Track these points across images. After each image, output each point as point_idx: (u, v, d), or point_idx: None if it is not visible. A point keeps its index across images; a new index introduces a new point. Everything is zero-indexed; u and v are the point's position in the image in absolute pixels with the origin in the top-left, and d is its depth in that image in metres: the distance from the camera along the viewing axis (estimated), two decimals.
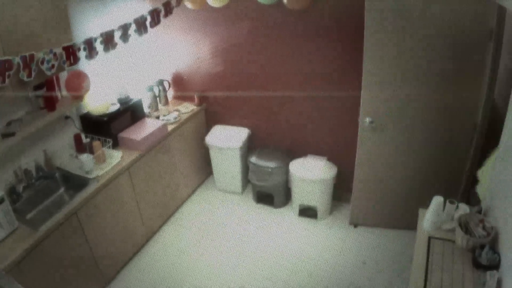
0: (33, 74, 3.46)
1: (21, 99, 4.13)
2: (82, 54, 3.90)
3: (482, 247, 3.02)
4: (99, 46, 4.04)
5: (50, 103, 4.24)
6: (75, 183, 4.42)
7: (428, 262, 3.17)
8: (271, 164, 5.57)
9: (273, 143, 5.96)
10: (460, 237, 3.20)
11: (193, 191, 6.40)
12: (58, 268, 4.01)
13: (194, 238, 5.51)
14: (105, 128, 4.85)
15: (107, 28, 4.08)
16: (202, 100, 6.11)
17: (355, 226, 5.38)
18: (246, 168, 6.07)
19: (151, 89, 5.82)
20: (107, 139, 4.81)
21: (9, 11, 3.32)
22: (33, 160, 4.39)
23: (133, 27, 4.37)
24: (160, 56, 6.15)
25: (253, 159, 5.72)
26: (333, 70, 5.01)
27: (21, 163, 4.25)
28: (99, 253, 4.51)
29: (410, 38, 4.01)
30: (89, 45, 3.93)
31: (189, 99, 6.15)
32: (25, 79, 3.40)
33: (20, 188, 4.19)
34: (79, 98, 4.44)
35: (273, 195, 5.84)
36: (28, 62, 3.39)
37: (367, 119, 4.49)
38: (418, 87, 4.22)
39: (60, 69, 3.78)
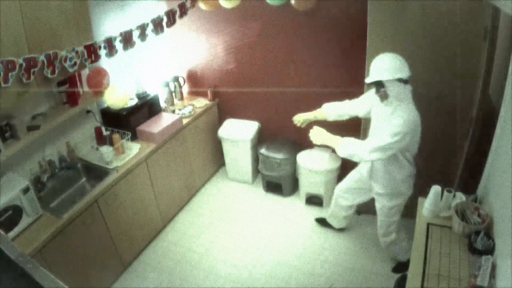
0: (56, 71, 3.47)
1: (45, 94, 4.17)
2: (102, 52, 3.92)
3: (477, 233, 3.01)
4: (118, 45, 4.05)
5: (73, 98, 4.27)
6: (96, 173, 4.46)
7: (427, 247, 3.17)
8: (279, 156, 5.60)
9: (282, 135, 5.96)
10: (457, 224, 3.20)
11: (207, 181, 6.43)
12: (79, 253, 4.05)
13: (208, 224, 5.55)
14: (124, 121, 4.88)
15: (125, 28, 4.09)
16: (215, 95, 6.12)
17: (359, 214, 5.37)
18: (256, 159, 6.08)
19: (167, 85, 5.83)
20: (126, 132, 4.83)
21: (34, 12, 3.33)
22: (57, 151, 4.43)
23: (150, 26, 4.38)
24: (176, 54, 6.17)
25: (263, 150, 5.73)
26: (338, 67, 5.00)
27: (45, 155, 4.28)
28: (118, 239, 4.54)
29: (409, 38, 4.00)
30: (109, 43, 3.95)
31: (203, 94, 6.16)
32: (49, 75, 3.42)
33: (44, 178, 4.22)
34: (99, 93, 4.45)
35: (281, 184, 5.85)
36: (52, 59, 3.41)
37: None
38: (417, 83, 4.20)
39: (82, 66, 3.80)
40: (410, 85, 3.60)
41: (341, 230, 5.22)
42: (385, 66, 3.56)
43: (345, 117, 4.36)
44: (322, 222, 5.34)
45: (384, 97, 3.68)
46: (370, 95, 3.99)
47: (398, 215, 4.23)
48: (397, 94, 3.59)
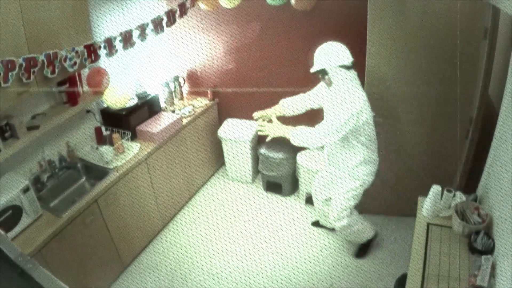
0: (56, 70, 3.48)
1: (45, 94, 4.17)
2: (102, 52, 3.92)
3: (477, 233, 3.01)
4: (118, 45, 4.05)
5: (72, 98, 4.27)
6: (96, 173, 4.45)
7: (426, 247, 3.18)
8: (279, 156, 5.60)
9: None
10: (456, 224, 3.20)
11: (207, 181, 6.42)
12: (79, 253, 4.05)
13: (208, 224, 5.54)
14: (124, 121, 4.87)
15: (125, 28, 4.09)
16: (215, 95, 6.11)
17: (359, 213, 5.38)
18: (256, 159, 6.08)
19: (167, 84, 5.82)
20: (126, 132, 4.82)
21: (34, 12, 3.33)
22: (57, 151, 4.43)
23: (150, 26, 4.38)
24: (176, 54, 6.17)
25: (263, 150, 5.73)
26: None
27: (45, 154, 4.27)
28: (118, 239, 4.54)
29: (409, 38, 4.00)
30: (109, 43, 3.95)
31: (203, 94, 6.15)
32: (49, 75, 3.43)
33: (44, 177, 4.22)
34: (99, 93, 4.46)
35: (281, 184, 5.85)
36: (51, 59, 3.41)
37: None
38: (417, 83, 4.22)
39: (82, 66, 3.81)
40: (354, 70, 3.83)
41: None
42: (327, 55, 3.79)
43: (301, 110, 4.44)
44: (317, 224, 5.34)
45: (329, 84, 3.87)
46: (321, 85, 4.15)
47: (352, 201, 4.30)
48: (341, 80, 3.77)
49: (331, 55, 3.77)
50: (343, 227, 4.43)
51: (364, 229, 4.63)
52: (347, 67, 3.75)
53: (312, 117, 4.24)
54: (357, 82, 3.87)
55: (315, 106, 4.32)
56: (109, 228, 4.38)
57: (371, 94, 4.34)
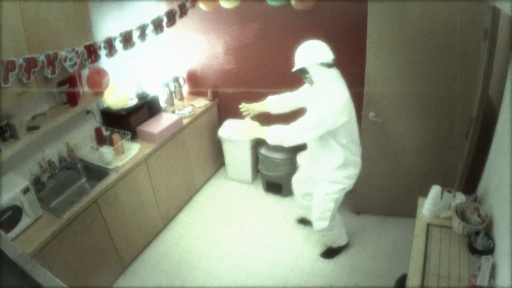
0: (56, 71, 3.48)
1: (45, 94, 4.17)
2: (102, 52, 3.92)
3: (477, 233, 3.01)
4: (118, 45, 4.06)
5: (73, 99, 4.27)
6: (96, 173, 4.45)
7: (426, 247, 3.18)
8: (279, 156, 5.60)
9: None
10: (456, 224, 3.20)
11: (207, 181, 6.42)
12: (79, 253, 4.04)
13: (207, 224, 5.54)
14: (124, 121, 4.87)
15: (125, 28, 4.10)
16: (215, 95, 6.12)
17: (358, 213, 5.39)
18: (256, 159, 6.08)
19: (167, 85, 5.83)
20: (126, 132, 4.83)
21: (34, 12, 3.33)
22: (57, 151, 4.43)
23: (150, 27, 4.38)
24: (176, 54, 6.17)
25: (263, 150, 5.73)
26: (337, 67, 5.00)
27: (45, 155, 4.27)
28: (118, 239, 4.54)
29: (409, 38, 4.00)
30: (109, 44, 3.95)
31: (203, 94, 6.15)
32: (49, 76, 3.43)
33: (44, 178, 4.22)
34: (99, 93, 4.45)
35: (281, 184, 5.85)
36: (52, 60, 3.41)
37: (370, 114, 4.48)
38: (417, 83, 4.21)
39: (82, 66, 3.81)
40: (336, 69, 3.88)
41: None
42: (306, 53, 3.82)
43: (287, 109, 4.46)
44: (302, 221, 5.39)
45: (311, 82, 3.90)
46: (307, 85, 4.15)
47: (332, 203, 4.27)
48: (322, 79, 3.80)
49: (311, 53, 3.80)
50: (323, 229, 4.48)
51: (340, 235, 4.68)
52: (328, 65, 3.79)
53: (298, 116, 4.27)
54: (340, 81, 3.89)
55: (301, 105, 4.30)
56: (109, 229, 4.37)
57: (371, 94, 4.36)
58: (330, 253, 4.85)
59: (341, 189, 4.19)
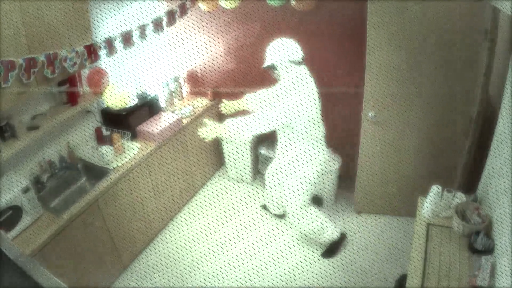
0: (56, 71, 3.48)
1: (45, 94, 4.17)
2: (102, 52, 3.92)
3: (477, 233, 3.01)
4: (118, 45, 4.06)
5: (73, 98, 4.27)
6: (96, 173, 4.45)
7: (426, 247, 3.17)
8: None
9: None
10: (456, 224, 3.20)
11: (207, 181, 6.42)
12: (79, 253, 4.04)
13: (208, 224, 5.54)
14: (124, 121, 4.88)
15: (125, 28, 4.10)
16: (215, 95, 6.10)
17: (359, 213, 5.39)
18: (256, 159, 6.08)
19: (167, 85, 5.83)
20: (126, 132, 4.84)
21: (34, 12, 3.33)
22: (57, 151, 4.43)
23: (150, 27, 4.38)
24: (176, 54, 6.17)
25: (263, 150, 5.75)
26: (337, 67, 5.01)
27: (45, 155, 4.28)
28: (118, 239, 4.54)
29: (409, 38, 4.00)
30: (109, 44, 3.96)
31: (203, 94, 6.15)
32: (49, 75, 3.43)
33: (44, 178, 4.22)
34: (99, 93, 4.46)
35: None
36: (52, 60, 3.42)
37: (370, 113, 4.49)
38: (417, 83, 4.22)
39: (82, 66, 3.81)
40: (305, 66, 4.03)
41: (279, 217, 5.46)
42: (276, 50, 3.98)
43: (263, 106, 4.52)
44: (264, 207, 5.58)
45: (278, 78, 4.06)
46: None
47: (301, 199, 4.43)
48: (289, 75, 3.94)
49: (281, 51, 3.95)
50: (299, 225, 4.64)
51: (324, 228, 4.69)
52: (297, 63, 3.93)
53: None
54: (306, 78, 4.02)
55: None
56: (109, 228, 4.37)
57: (371, 94, 4.36)
58: (329, 251, 4.86)
59: (307, 183, 4.34)
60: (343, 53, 4.88)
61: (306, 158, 4.23)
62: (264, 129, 3.94)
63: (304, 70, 4.00)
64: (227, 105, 4.63)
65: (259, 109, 4.43)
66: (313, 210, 4.59)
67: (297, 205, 4.46)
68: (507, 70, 3.13)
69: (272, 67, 3.99)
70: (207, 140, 4.01)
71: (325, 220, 4.68)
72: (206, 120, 4.09)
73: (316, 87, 4.06)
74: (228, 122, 3.95)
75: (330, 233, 4.72)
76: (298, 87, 3.93)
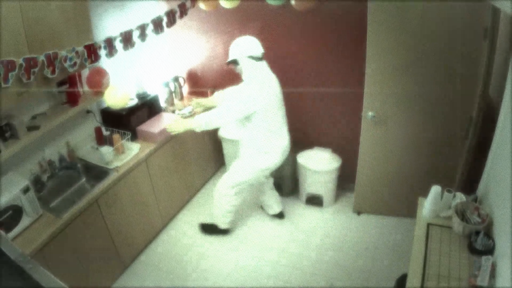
0: (56, 71, 3.47)
1: (46, 94, 4.17)
2: (102, 52, 3.92)
3: (477, 233, 3.01)
4: (118, 45, 4.05)
5: (73, 98, 4.27)
6: (96, 173, 4.45)
7: (426, 247, 3.17)
8: None
9: None
10: (456, 224, 3.20)
11: (207, 181, 6.42)
12: (79, 253, 4.04)
13: None
14: (124, 121, 4.88)
15: (125, 28, 4.09)
16: None
17: (358, 213, 5.39)
18: None
19: (167, 85, 5.83)
20: (126, 132, 4.83)
21: (34, 12, 3.33)
22: (57, 151, 4.43)
23: (150, 27, 4.38)
24: (176, 54, 6.17)
25: None
26: (337, 67, 5.00)
27: (45, 154, 4.28)
28: (118, 239, 4.54)
29: (409, 38, 4.01)
30: (109, 44, 3.95)
31: (203, 94, 6.13)
32: (49, 75, 3.42)
33: (44, 178, 4.22)
34: (99, 93, 4.45)
35: (281, 184, 5.83)
36: (52, 60, 3.40)
37: (370, 113, 4.49)
38: (417, 83, 4.22)
39: (82, 66, 3.80)
40: (265, 62, 4.44)
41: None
42: (237, 47, 4.37)
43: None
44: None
45: (240, 72, 4.44)
46: None
47: (234, 181, 4.79)
48: (250, 70, 4.35)
49: (241, 47, 4.35)
50: (215, 198, 4.99)
51: (224, 215, 5.07)
52: (257, 59, 4.35)
53: None
54: (264, 73, 4.43)
55: None
56: (109, 228, 4.38)
57: (371, 94, 4.36)
58: (208, 228, 5.34)
59: (254, 168, 4.70)
60: (343, 53, 4.88)
61: (262, 149, 4.54)
62: (226, 119, 4.40)
63: (263, 66, 4.42)
64: (198, 103, 4.94)
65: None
66: (234, 201, 4.93)
67: (227, 183, 4.81)
68: (507, 70, 3.13)
69: (234, 62, 4.40)
70: (173, 134, 4.50)
71: (232, 211, 5.04)
72: (176, 117, 4.72)
73: (277, 82, 4.52)
74: (197, 116, 4.45)
75: (223, 221, 5.08)
76: (256, 81, 4.33)
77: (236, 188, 4.81)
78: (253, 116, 4.35)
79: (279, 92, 4.51)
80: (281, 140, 4.60)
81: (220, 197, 4.92)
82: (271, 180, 5.30)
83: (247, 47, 4.34)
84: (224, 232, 5.24)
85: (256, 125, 4.42)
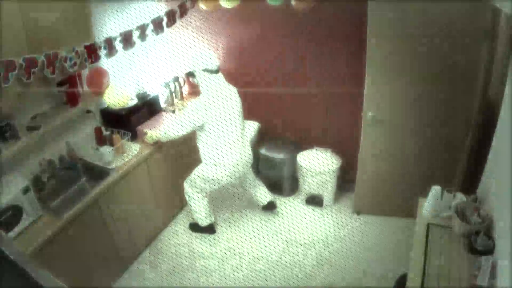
0: (56, 71, 3.47)
1: (46, 94, 4.16)
2: (102, 52, 3.92)
3: (477, 233, 3.01)
4: (118, 45, 4.05)
5: (73, 98, 4.26)
6: (96, 173, 4.44)
7: (427, 247, 3.18)
8: (280, 156, 5.60)
9: (282, 136, 5.97)
10: (457, 224, 3.20)
11: None
12: (80, 254, 4.04)
13: None
14: (124, 121, 4.87)
15: (125, 28, 4.09)
16: None
17: (358, 214, 5.39)
18: (256, 159, 6.06)
19: (167, 85, 5.83)
20: (126, 132, 4.82)
21: (34, 12, 3.33)
22: (57, 151, 4.42)
23: (150, 27, 4.38)
24: (176, 54, 6.16)
25: (263, 150, 5.74)
26: (338, 67, 5.00)
27: (45, 155, 4.27)
28: (118, 239, 4.54)
29: (410, 39, 4.01)
30: (109, 44, 3.95)
31: None
32: (49, 75, 3.41)
33: (44, 178, 4.21)
34: (99, 93, 4.45)
35: (281, 184, 5.84)
36: (52, 60, 3.40)
37: (370, 114, 4.49)
38: (417, 84, 4.22)
39: (82, 66, 3.80)
40: (220, 75, 4.60)
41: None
42: (192, 59, 4.51)
43: None
44: (263, 207, 5.62)
45: (197, 84, 4.60)
46: None
47: (191, 179, 5.02)
48: (206, 82, 4.50)
49: (196, 60, 4.47)
50: (185, 193, 5.14)
51: (198, 212, 5.18)
52: (212, 71, 4.46)
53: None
54: (222, 86, 4.62)
55: None
56: (109, 229, 4.38)
57: (371, 94, 4.36)
58: (195, 227, 5.41)
59: (201, 178, 4.89)
60: (343, 53, 4.88)
61: (211, 160, 4.73)
62: (180, 130, 4.56)
63: (219, 78, 4.57)
64: (150, 137, 4.87)
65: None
66: (198, 201, 5.09)
67: (186, 182, 5.06)
68: (507, 71, 3.13)
69: (191, 74, 4.57)
70: (149, 142, 4.78)
71: (204, 206, 5.14)
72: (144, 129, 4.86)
73: (236, 95, 4.74)
74: (160, 128, 4.84)
75: (200, 218, 5.22)
76: (210, 93, 4.50)
77: (197, 188, 4.98)
78: (205, 127, 4.51)
79: (235, 105, 4.68)
80: (234, 154, 4.72)
81: (186, 195, 5.13)
82: (250, 176, 5.37)
83: (202, 60, 4.45)
84: (210, 229, 5.32)
85: (207, 136, 4.59)
